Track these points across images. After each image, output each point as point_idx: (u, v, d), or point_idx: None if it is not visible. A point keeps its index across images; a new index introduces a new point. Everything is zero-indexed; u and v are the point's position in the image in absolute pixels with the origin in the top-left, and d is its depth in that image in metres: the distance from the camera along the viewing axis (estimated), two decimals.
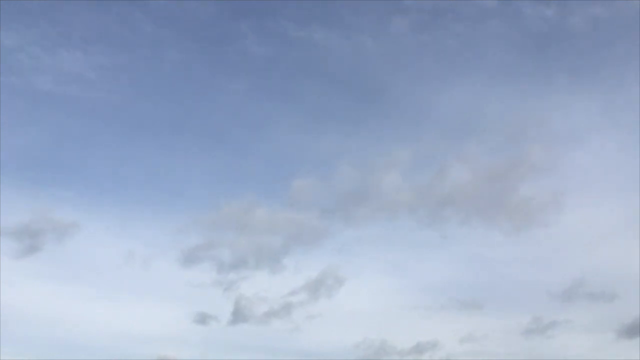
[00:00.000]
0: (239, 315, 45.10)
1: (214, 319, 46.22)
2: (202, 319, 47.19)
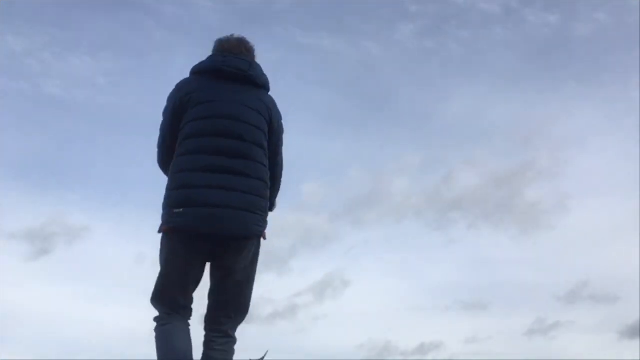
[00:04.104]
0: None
1: None
2: None
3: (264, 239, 3.45)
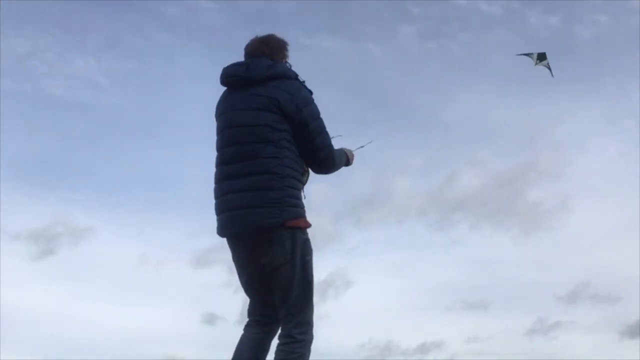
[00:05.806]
0: (246, 316, 45.28)
1: (222, 319, 46.58)
2: (211, 319, 47.48)
3: (302, 227, 3.61)
